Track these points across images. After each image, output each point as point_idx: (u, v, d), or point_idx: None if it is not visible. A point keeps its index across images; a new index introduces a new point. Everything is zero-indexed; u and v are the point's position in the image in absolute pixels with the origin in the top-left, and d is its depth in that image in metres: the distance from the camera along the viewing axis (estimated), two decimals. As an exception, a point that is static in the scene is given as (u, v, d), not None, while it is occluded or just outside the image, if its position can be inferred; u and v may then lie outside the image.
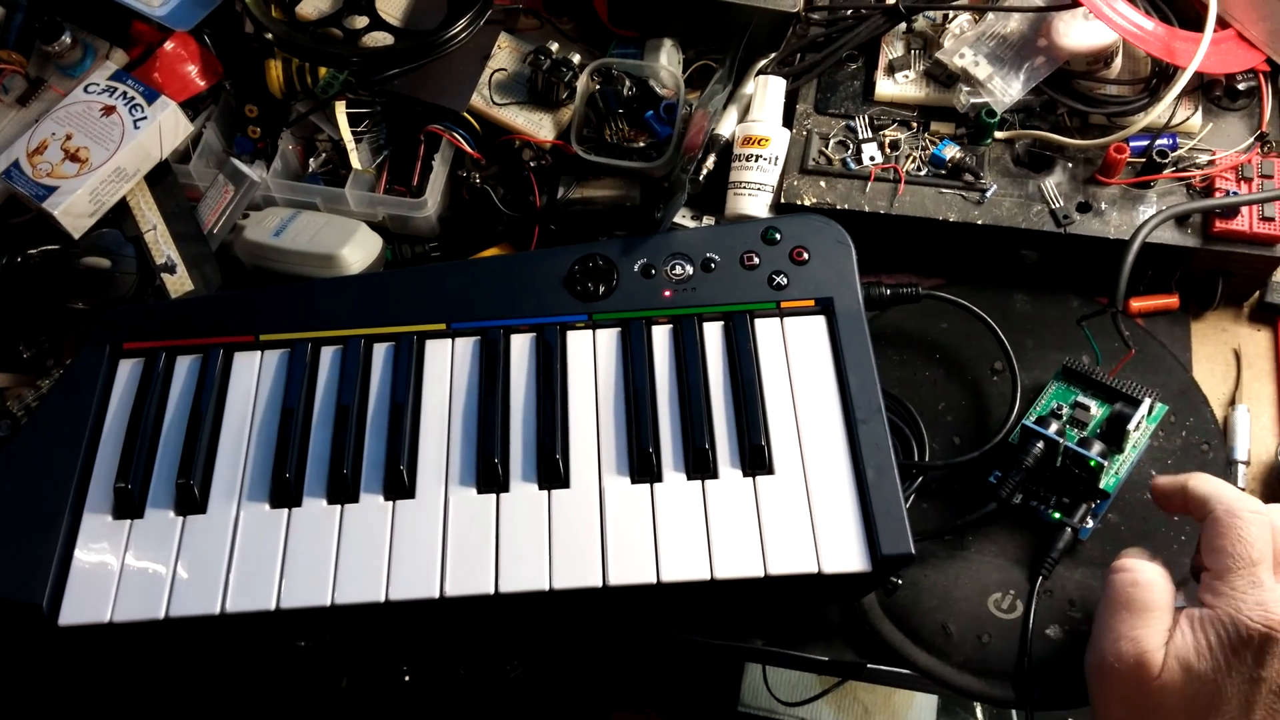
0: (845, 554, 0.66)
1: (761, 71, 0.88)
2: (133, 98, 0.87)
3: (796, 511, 0.68)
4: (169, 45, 0.90)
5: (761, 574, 0.65)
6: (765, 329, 0.76)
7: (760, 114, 0.85)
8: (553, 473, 0.70)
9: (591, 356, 0.76)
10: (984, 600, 0.74)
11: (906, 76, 0.86)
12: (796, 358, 0.74)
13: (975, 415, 0.81)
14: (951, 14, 0.86)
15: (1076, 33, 0.82)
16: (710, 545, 0.67)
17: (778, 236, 0.78)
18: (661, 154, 0.85)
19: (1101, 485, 0.73)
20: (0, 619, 0.67)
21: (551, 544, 0.67)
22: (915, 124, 0.85)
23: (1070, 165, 0.82)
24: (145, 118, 0.86)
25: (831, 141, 0.84)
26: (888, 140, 0.84)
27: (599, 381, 0.74)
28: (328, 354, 0.77)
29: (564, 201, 0.88)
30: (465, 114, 0.90)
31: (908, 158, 0.83)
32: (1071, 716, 0.94)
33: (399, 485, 0.70)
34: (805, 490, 0.69)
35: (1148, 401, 0.74)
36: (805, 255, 0.77)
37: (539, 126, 0.90)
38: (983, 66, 0.83)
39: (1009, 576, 0.74)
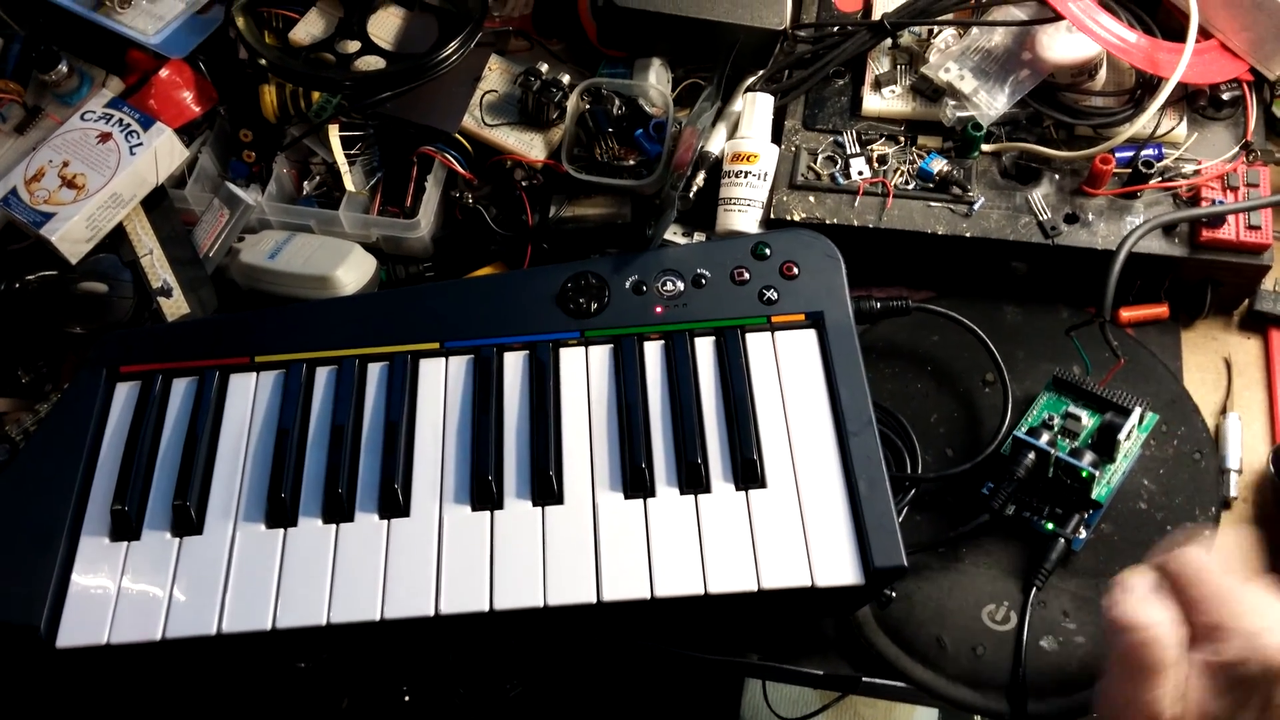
0: (838, 567, 0.66)
1: (749, 89, 0.89)
2: (129, 124, 0.88)
3: (789, 525, 0.68)
4: (164, 72, 0.91)
5: (755, 588, 0.65)
6: (756, 344, 0.76)
7: (749, 130, 0.86)
8: (546, 489, 0.70)
9: (584, 373, 0.76)
10: (978, 612, 0.74)
11: (893, 91, 0.87)
12: (788, 372, 0.75)
13: (967, 427, 0.81)
14: (936, 29, 0.87)
15: (1060, 46, 0.83)
16: (704, 560, 0.67)
17: (768, 252, 0.79)
18: (651, 172, 0.86)
19: (1094, 495, 0.74)
20: (-2, 642, 0.67)
21: (546, 560, 0.67)
22: (902, 138, 0.86)
23: (1057, 177, 0.82)
24: (141, 144, 0.87)
25: (820, 157, 0.85)
26: (875, 155, 0.85)
27: (592, 398, 0.75)
28: (323, 374, 0.77)
29: (556, 220, 0.88)
30: (457, 135, 0.91)
31: (895, 172, 0.84)
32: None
33: (394, 504, 0.70)
34: (798, 504, 0.69)
35: (1138, 411, 0.74)
36: (795, 270, 0.78)
37: (530, 146, 0.90)
38: (968, 80, 0.84)
39: (1003, 588, 0.75)
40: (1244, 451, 0.78)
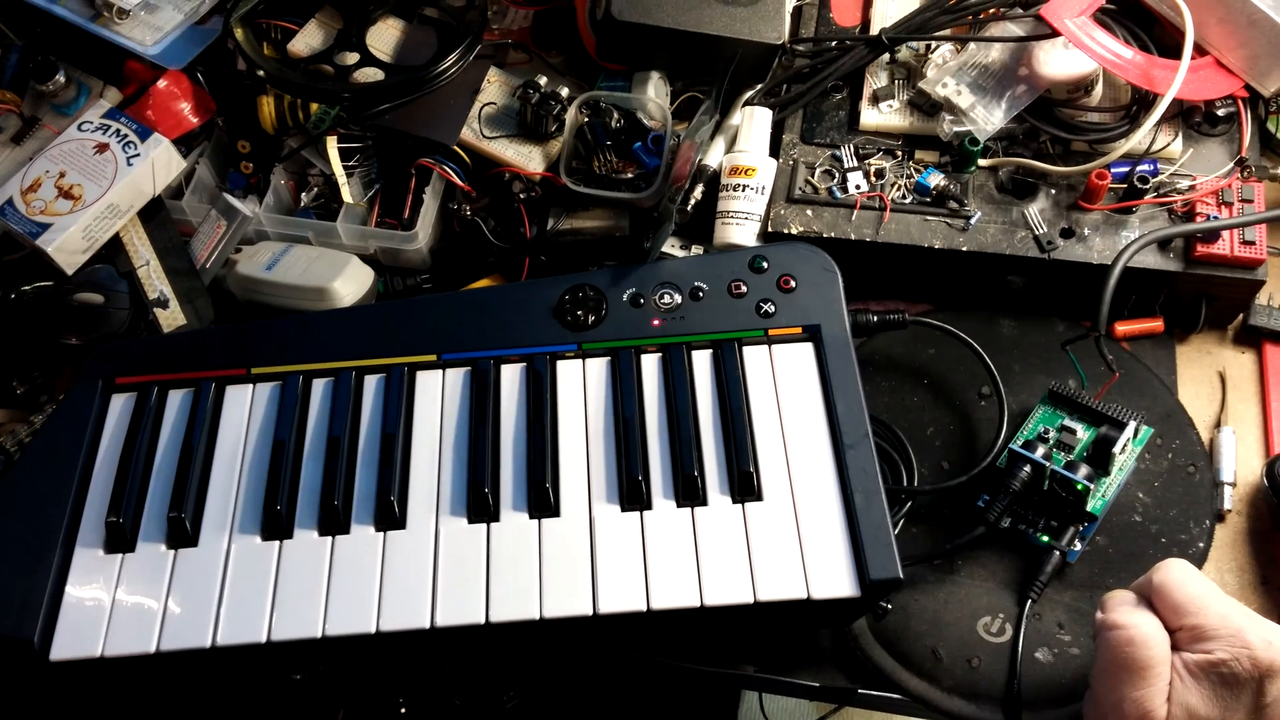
0: (834, 579, 0.66)
1: (748, 102, 0.90)
2: (126, 135, 0.88)
3: (785, 537, 0.68)
4: (162, 83, 0.91)
5: (751, 600, 0.66)
6: (753, 356, 0.76)
7: (747, 144, 0.86)
8: (543, 502, 0.70)
9: (581, 386, 0.76)
10: (973, 624, 0.74)
11: (890, 106, 0.87)
12: (784, 385, 0.75)
13: (963, 440, 0.81)
14: (934, 44, 0.88)
15: (1057, 62, 0.83)
16: (700, 572, 0.67)
17: (765, 265, 0.79)
18: (650, 185, 0.86)
19: (1089, 508, 0.74)
20: (-8, 654, 0.67)
21: (542, 573, 0.67)
22: (900, 153, 0.86)
23: (1053, 192, 0.83)
24: (138, 155, 0.87)
25: (817, 170, 0.85)
26: (873, 169, 0.85)
27: (589, 410, 0.75)
28: (319, 386, 0.77)
29: (554, 232, 0.89)
30: (455, 147, 0.91)
31: (893, 186, 0.84)
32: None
33: (390, 516, 0.70)
34: (794, 516, 0.69)
35: (1133, 424, 0.75)
36: (792, 283, 0.78)
37: (528, 159, 0.91)
38: (965, 96, 0.84)
39: (998, 600, 0.75)
40: (1238, 465, 0.79)
